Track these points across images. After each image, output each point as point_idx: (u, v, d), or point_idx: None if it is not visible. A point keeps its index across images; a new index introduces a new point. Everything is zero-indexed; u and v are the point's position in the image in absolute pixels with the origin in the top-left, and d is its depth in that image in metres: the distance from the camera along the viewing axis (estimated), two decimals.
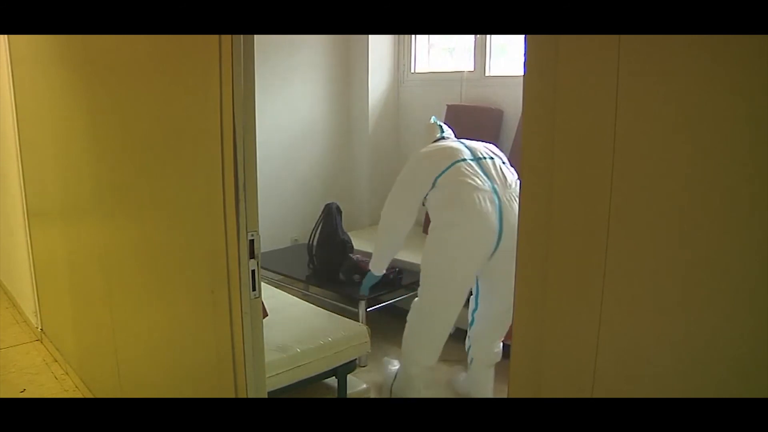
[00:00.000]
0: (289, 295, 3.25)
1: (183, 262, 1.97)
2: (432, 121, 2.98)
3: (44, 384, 3.20)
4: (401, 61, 4.70)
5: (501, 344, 2.81)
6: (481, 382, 2.86)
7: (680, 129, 0.87)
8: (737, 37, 0.79)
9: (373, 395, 2.99)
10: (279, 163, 4.45)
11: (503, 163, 2.75)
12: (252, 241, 1.60)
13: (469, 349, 2.86)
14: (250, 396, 1.68)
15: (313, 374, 2.54)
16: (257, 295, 1.64)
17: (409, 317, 2.83)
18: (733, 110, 0.82)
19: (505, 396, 1.28)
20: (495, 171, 2.65)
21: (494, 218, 2.52)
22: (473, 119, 4.06)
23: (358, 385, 2.89)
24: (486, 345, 2.80)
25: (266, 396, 1.78)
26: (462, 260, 2.60)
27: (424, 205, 2.75)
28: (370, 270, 3.02)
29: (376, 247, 2.97)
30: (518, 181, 2.74)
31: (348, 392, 2.72)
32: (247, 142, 1.55)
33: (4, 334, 3.84)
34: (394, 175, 2.90)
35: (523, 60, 1.07)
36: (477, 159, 2.68)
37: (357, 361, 2.88)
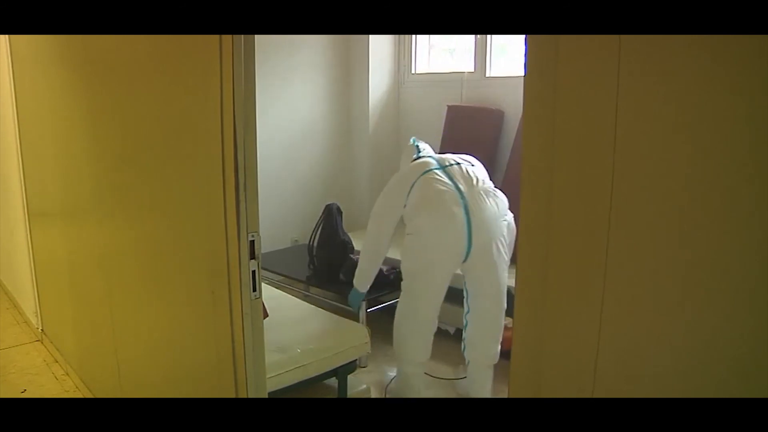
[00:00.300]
0: (290, 296, 3.25)
1: (183, 262, 1.97)
2: (411, 142, 3.12)
3: (45, 384, 3.20)
4: (402, 61, 4.70)
5: (498, 345, 2.82)
6: (479, 383, 2.86)
7: (680, 129, 0.87)
8: (737, 37, 0.79)
9: (373, 396, 2.99)
10: (280, 164, 4.45)
11: (471, 165, 2.88)
12: (252, 242, 1.60)
13: (464, 350, 2.87)
14: (250, 397, 1.68)
15: (313, 375, 2.54)
16: (258, 296, 1.64)
17: (395, 319, 2.91)
18: (733, 110, 0.82)
19: (505, 396, 1.28)
20: (461, 173, 2.79)
21: (461, 216, 2.64)
22: (474, 120, 4.06)
23: (359, 386, 2.89)
24: (481, 346, 2.83)
25: (266, 397, 1.78)
26: (436, 260, 2.72)
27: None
28: (354, 287, 3.09)
29: (359, 267, 3.07)
30: (486, 180, 2.78)
31: (348, 393, 2.72)
32: (248, 142, 1.55)
33: (4, 334, 3.84)
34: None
35: (523, 60, 1.07)
36: (443, 167, 2.83)
37: (357, 362, 2.88)
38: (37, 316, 3.72)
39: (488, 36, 4.08)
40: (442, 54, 4.68)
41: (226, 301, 1.66)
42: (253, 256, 1.61)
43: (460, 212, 2.64)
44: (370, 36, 4.52)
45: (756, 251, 0.81)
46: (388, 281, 3.34)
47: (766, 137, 0.78)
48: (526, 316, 1.15)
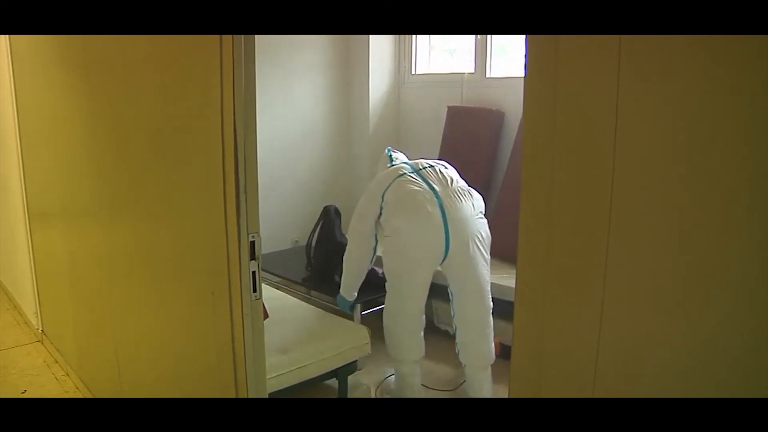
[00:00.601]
0: (291, 297, 3.25)
1: (183, 263, 1.97)
2: (385, 152, 3.20)
3: (45, 385, 3.20)
4: (402, 62, 4.70)
5: (490, 344, 2.82)
6: (477, 384, 2.87)
7: (680, 129, 0.87)
8: (737, 37, 0.79)
9: (373, 396, 2.99)
10: (280, 164, 4.45)
11: (445, 168, 2.97)
12: (253, 243, 1.60)
13: (459, 354, 2.88)
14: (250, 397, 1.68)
15: (313, 376, 2.54)
16: (258, 297, 1.64)
17: (384, 321, 2.94)
18: (733, 110, 0.82)
19: (505, 396, 1.28)
20: (435, 175, 2.87)
21: (438, 215, 2.70)
22: (474, 121, 4.06)
23: (359, 387, 2.89)
24: (472, 348, 2.84)
25: (267, 397, 1.78)
26: (417, 258, 2.77)
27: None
28: (340, 293, 3.11)
29: (344, 274, 3.10)
30: (459, 180, 2.86)
31: (348, 393, 2.72)
32: (248, 143, 1.55)
33: (5, 335, 3.84)
34: None
35: (523, 60, 1.07)
36: (416, 170, 2.90)
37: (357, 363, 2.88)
38: (37, 316, 3.72)
39: (488, 36, 4.08)
40: (442, 54, 4.68)
41: (226, 302, 1.66)
42: (253, 256, 1.61)
43: (435, 211, 2.69)
44: (370, 36, 4.51)
45: (756, 251, 0.81)
46: (384, 283, 3.34)
47: (765, 137, 0.78)
48: (526, 316, 1.14)
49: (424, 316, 2.90)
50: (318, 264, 3.63)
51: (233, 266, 1.61)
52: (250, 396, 1.68)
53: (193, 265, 1.90)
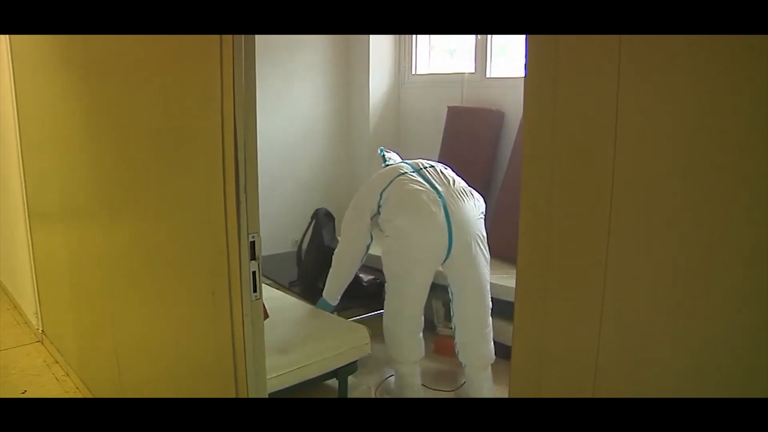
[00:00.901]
0: (291, 297, 3.24)
1: (184, 263, 1.97)
2: (378, 152, 3.19)
3: (45, 385, 3.20)
4: (402, 62, 4.69)
5: (489, 345, 2.82)
6: (477, 385, 2.87)
7: (680, 129, 0.87)
8: (737, 37, 0.79)
9: (373, 396, 2.99)
10: (280, 165, 4.45)
11: (445, 168, 2.96)
12: (253, 243, 1.60)
13: (458, 355, 2.88)
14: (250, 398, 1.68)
15: (313, 376, 2.54)
16: (258, 297, 1.64)
17: (384, 321, 2.93)
18: (733, 110, 0.82)
19: (505, 396, 1.28)
20: (436, 175, 2.85)
21: (441, 215, 2.68)
22: (474, 121, 4.06)
23: (359, 387, 2.89)
24: (471, 348, 2.84)
25: (267, 397, 1.78)
26: (419, 259, 2.75)
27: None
28: (323, 297, 3.05)
29: (330, 274, 3.04)
30: (460, 181, 2.84)
31: (348, 394, 2.72)
32: (248, 143, 1.55)
33: (5, 335, 3.84)
34: None
35: (523, 60, 1.07)
36: (417, 170, 2.88)
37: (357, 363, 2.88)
38: (37, 316, 3.72)
39: (488, 36, 4.08)
40: (442, 54, 4.68)
41: (226, 302, 1.66)
42: (253, 256, 1.61)
43: (439, 211, 2.68)
44: (370, 36, 4.51)
45: (756, 251, 0.81)
46: (367, 293, 3.30)
47: (765, 137, 0.78)
48: (526, 316, 1.14)
49: (423, 319, 2.89)
50: (306, 268, 3.56)
51: (233, 266, 1.61)
52: (250, 396, 1.68)
53: (193, 265, 1.90)
